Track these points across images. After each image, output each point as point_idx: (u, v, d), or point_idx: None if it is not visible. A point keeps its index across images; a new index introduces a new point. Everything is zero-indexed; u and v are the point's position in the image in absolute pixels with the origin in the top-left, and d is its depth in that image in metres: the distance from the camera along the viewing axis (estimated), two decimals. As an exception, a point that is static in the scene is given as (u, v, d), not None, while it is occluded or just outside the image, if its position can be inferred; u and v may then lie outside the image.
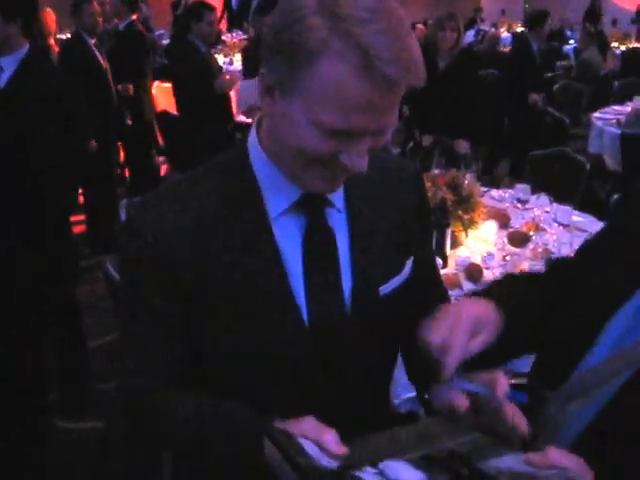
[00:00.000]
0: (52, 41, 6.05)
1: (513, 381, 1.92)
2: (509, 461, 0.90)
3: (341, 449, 0.88)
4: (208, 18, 4.85)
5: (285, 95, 0.91)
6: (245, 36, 11.17)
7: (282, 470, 0.90)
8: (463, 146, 4.40)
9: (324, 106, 0.87)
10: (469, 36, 11.82)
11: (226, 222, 1.03)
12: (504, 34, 12.37)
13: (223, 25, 13.00)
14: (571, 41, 11.80)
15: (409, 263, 1.16)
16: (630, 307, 1.07)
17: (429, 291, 1.24)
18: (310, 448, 0.86)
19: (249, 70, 5.20)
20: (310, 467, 0.81)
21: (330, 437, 0.89)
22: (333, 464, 0.85)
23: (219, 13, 13.89)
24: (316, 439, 0.89)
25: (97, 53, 4.60)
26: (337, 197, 1.07)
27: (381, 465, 0.85)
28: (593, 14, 13.14)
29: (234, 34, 12.16)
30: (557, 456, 0.89)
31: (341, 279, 1.08)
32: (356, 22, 0.84)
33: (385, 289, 1.11)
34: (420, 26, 9.25)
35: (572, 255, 2.47)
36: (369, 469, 0.84)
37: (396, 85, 0.86)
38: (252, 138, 1.06)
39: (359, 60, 0.84)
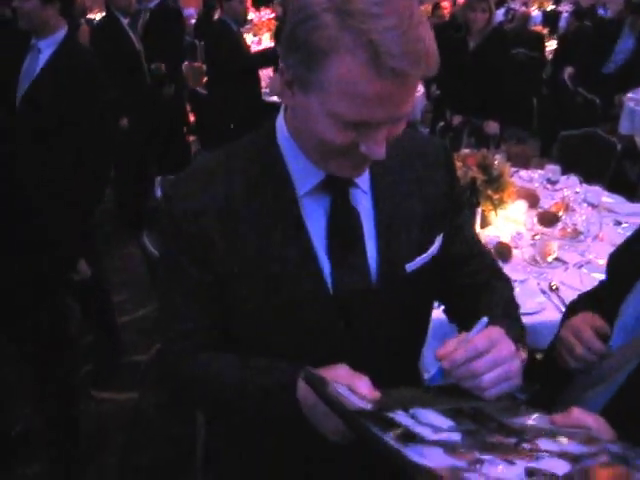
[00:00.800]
0: (82, 21, 6.11)
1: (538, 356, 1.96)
2: (533, 420, 0.94)
3: (374, 393, 0.93)
4: None
5: (302, 89, 0.94)
6: (273, 15, 11.14)
7: (315, 411, 0.95)
8: (492, 126, 4.39)
9: (338, 100, 0.90)
10: (499, 15, 11.64)
11: (255, 199, 1.08)
12: (534, 12, 12.18)
13: (250, 4, 12.99)
14: (604, 20, 11.58)
15: (438, 240, 1.18)
16: None
17: (465, 261, 1.26)
18: (343, 391, 0.90)
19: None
20: (344, 406, 0.85)
21: (363, 382, 0.94)
22: (366, 406, 0.89)
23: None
24: (349, 384, 0.94)
25: (131, 33, 4.64)
26: (362, 179, 1.11)
27: (411, 410, 0.90)
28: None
29: (262, 13, 12.12)
30: (580, 415, 0.93)
31: (366, 257, 1.11)
32: (366, 18, 0.86)
33: (412, 266, 1.14)
34: (445, 4, 9.13)
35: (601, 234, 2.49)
36: (400, 412, 0.89)
37: (407, 78, 0.88)
38: (280, 120, 1.10)
39: (369, 56, 0.86)
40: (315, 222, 1.09)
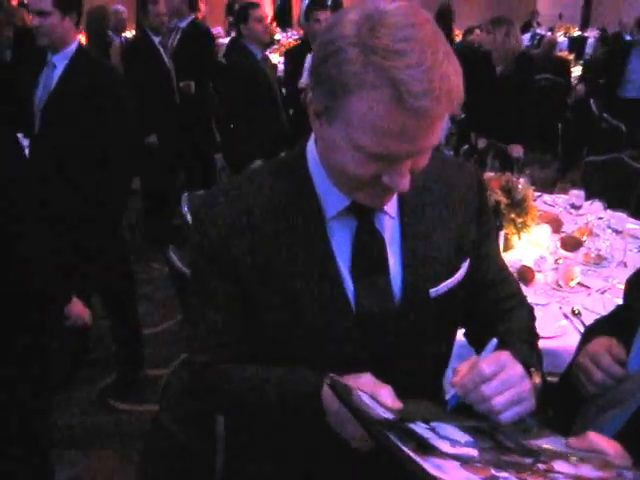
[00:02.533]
0: (115, 38, 6.23)
1: (549, 378, 1.95)
2: (550, 442, 0.95)
3: (396, 404, 0.95)
4: (255, 15, 4.49)
5: (328, 121, 0.97)
6: (298, 36, 11.27)
7: (339, 417, 0.97)
8: (517, 150, 4.40)
9: (362, 133, 0.92)
10: (525, 40, 11.67)
11: (284, 220, 1.10)
12: (561, 38, 12.19)
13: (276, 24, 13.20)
14: (630, 47, 11.54)
15: (464, 265, 1.19)
16: None
17: (491, 288, 1.26)
18: (366, 399, 0.92)
19: (291, 74, 4.68)
20: (367, 414, 0.87)
21: (386, 392, 0.96)
22: (388, 415, 0.91)
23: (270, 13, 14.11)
24: (372, 393, 0.95)
25: (162, 51, 4.74)
26: (390, 203, 1.12)
27: (432, 423, 0.91)
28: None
29: (289, 33, 12.27)
30: (596, 440, 0.93)
31: (389, 280, 1.13)
32: (389, 55, 0.87)
33: (436, 291, 1.16)
34: (478, 31, 9.16)
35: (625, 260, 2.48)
36: (421, 424, 0.90)
37: (428, 115, 0.89)
38: (311, 144, 1.13)
39: (391, 93, 0.87)
40: (341, 244, 1.12)
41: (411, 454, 0.80)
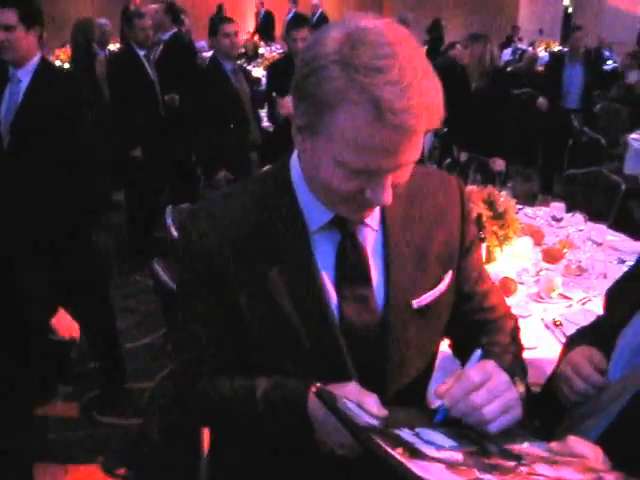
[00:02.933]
0: (99, 51, 6.23)
1: (532, 388, 1.98)
2: (532, 447, 0.97)
3: (382, 411, 0.96)
4: (223, 30, 4.47)
5: (311, 137, 0.99)
6: (282, 50, 11.32)
7: (325, 425, 0.98)
8: (498, 163, 4.45)
9: (344, 149, 0.94)
10: (506, 54, 11.83)
11: (268, 234, 1.12)
12: (541, 53, 12.35)
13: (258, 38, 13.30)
14: (609, 61, 11.72)
15: (448, 276, 1.21)
16: None
17: (474, 299, 1.28)
18: (352, 407, 0.94)
19: (274, 88, 4.58)
20: (353, 421, 0.89)
21: (372, 400, 0.98)
22: (373, 422, 0.93)
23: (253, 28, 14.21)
24: (358, 400, 0.97)
25: (146, 65, 4.74)
26: (373, 216, 1.14)
27: (417, 429, 0.93)
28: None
29: (272, 47, 12.31)
30: (577, 444, 0.95)
31: (373, 292, 1.15)
32: (369, 72, 0.89)
33: (419, 302, 1.17)
34: (459, 46, 9.27)
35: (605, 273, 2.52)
36: (406, 430, 0.92)
37: (409, 131, 0.91)
38: (294, 159, 1.15)
39: (372, 111, 0.89)
40: (324, 257, 1.13)
41: (398, 457, 0.81)
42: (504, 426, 0.99)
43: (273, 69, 4.82)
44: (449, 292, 1.21)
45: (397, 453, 0.82)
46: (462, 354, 1.29)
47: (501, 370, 1.02)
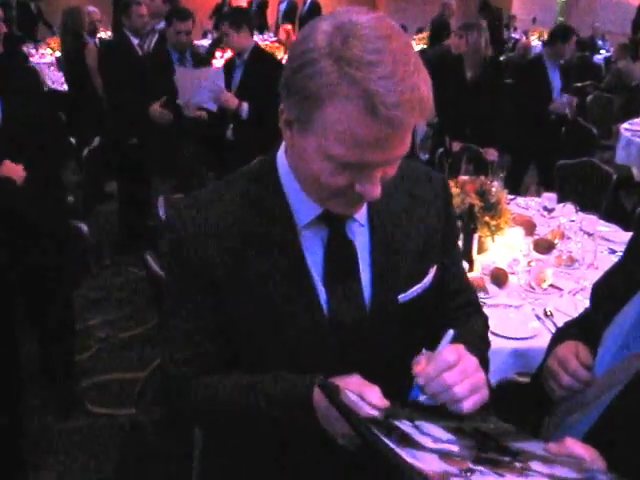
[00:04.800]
0: (89, 39, 6.19)
1: (521, 379, 2.00)
2: (529, 446, 0.98)
3: (383, 402, 0.98)
4: (179, 28, 4.53)
5: (300, 131, 0.99)
6: (275, 38, 11.28)
7: (328, 416, 1.00)
8: (491, 153, 4.46)
9: (335, 143, 0.94)
10: (500, 44, 11.82)
11: (256, 230, 1.12)
12: (534, 42, 12.34)
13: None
14: (602, 51, 11.73)
15: (432, 271, 1.22)
16: (631, 309, 1.15)
17: (453, 296, 1.30)
18: (354, 398, 0.96)
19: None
20: (353, 412, 0.91)
21: (373, 391, 0.99)
22: (374, 413, 0.94)
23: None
24: (359, 392, 0.98)
25: (140, 54, 4.69)
26: (360, 211, 1.14)
27: (417, 422, 0.95)
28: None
29: (265, 36, 12.27)
30: (573, 446, 0.97)
31: (361, 287, 1.16)
32: (362, 66, 0.89)
33: (405, 297, 1.18)
34: (452, 36, 9.28)
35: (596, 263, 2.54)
36: (406, 422, 0.94)
37: (401, 125, 0.92)
38: (281, 154, 1.14)
39: (364, 104, 0.90)
40: (313, 252, 1.14)
41: (390, 443, 0.83)
42: (475, 406, 1.01)
43: (226, 69, 4.56)
44: (433, 287, 1.23)
45: (392, 442, 0.83)
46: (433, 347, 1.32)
47: (470, 353, 1.05)
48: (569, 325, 1.44)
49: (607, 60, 10.47)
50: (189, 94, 4.28)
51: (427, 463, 0.82)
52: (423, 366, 1.02)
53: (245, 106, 4.20)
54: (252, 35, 4.40)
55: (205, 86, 4.19)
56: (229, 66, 4.51)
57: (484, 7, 11.79)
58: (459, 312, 1.30)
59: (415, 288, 1.19)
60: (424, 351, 1.06)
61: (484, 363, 1.20)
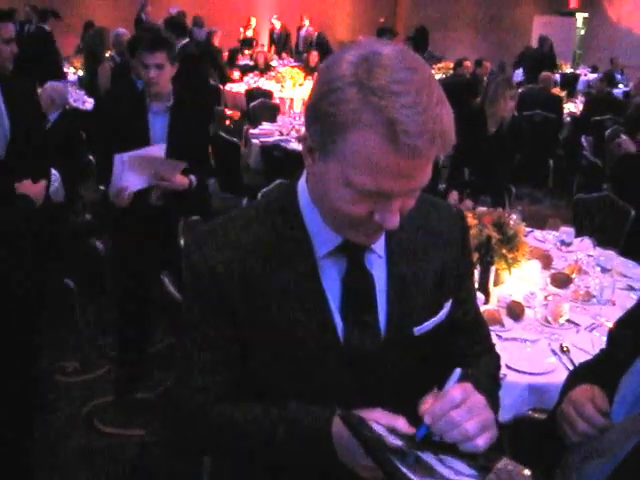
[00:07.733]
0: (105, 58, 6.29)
1: (537, 415, 1.97)
2: None
3: (413, 430, 0.99)
4: (146, 62, 2.96)
5: (322, 158, 0.99)
6: (296, 63, 11.43)
7: (349, 449, 1.00)
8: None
9: (355, 170, 0.94)
10: (518, 75, 11.86)
11: (274, 259, 1.12)
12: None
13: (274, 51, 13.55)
14: (620, 85, 11.73)
15: (447, 305, 1.22)
16: None
17: (465, 332, 1.29)
18: (380, 429, 0.96)
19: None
20: (378, 443, 0.91)
21: (402, 421, 1.00)
22: (398, 443, 0.94)
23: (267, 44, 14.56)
24: (389, 424, 0.99)
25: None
26: (378, 243, 1.15)
27: (441, 455, 0.95)
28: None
29: (285, 61, 12.43)
30: None
31: (377, 318, 1.15)
32: (386, 95, 0.90)
33: (420, 330, 1.18)
34: (468, 63, 9.33)
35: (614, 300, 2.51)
36: (429, 453, 0.94)
37: (421, 155, 0.92)
38: (302, 183, 1.15)
39: (387, 132, 0.90)
40: (331, 282, 1.14)
41: (410, 474, 0.84)
42: (488, 443, 0.99)
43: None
44: (448, 321, 1.22)
45: (414, 475, 0.84)
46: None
47: (478, 392, 1.04)
48: (584, 367, 1.42)
49: (626, 94, 10.45)
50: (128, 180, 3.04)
51: None
52: (429, 405, 1.01)
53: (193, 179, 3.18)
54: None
55: (147, 166, 3.04)
56: None
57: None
58: (469, 349, 1.29)
59: (431, 321, 1.19)
60: (434, 390, 1.05)
61: (493, 403, 1.17)
